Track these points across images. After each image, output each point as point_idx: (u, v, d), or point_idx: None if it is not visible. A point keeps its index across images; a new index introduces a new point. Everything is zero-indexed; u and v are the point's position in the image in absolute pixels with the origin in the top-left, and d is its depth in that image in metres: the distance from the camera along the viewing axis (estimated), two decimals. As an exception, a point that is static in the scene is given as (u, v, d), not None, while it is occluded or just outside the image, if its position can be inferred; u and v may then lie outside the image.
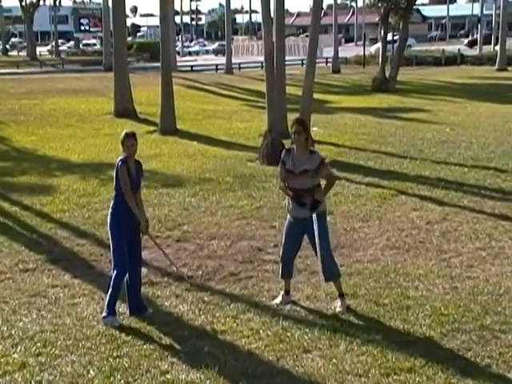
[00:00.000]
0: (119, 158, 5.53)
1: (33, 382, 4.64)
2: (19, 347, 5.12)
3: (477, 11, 63.41)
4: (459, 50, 44.37)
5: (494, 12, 53.56)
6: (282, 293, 5.99)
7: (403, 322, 5.47)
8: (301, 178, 5.55)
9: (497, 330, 5.28)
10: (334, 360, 4.84)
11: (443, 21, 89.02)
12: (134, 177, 5.52)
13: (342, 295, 5.76)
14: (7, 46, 66.24)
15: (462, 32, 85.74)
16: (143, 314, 5.62)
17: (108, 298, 5.50)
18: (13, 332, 5.38)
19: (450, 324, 5.38)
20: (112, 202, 5.63)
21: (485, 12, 54.58)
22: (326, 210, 5.79)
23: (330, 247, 5.81)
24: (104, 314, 5.49)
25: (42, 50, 60.85)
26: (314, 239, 5.66)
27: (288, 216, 5.82)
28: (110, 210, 5.60)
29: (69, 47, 69.40)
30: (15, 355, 4.99)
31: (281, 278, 5.97)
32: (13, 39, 73.37)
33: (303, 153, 5.59)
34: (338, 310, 5.67)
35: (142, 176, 5.65)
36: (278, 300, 5.95)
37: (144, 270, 6.54)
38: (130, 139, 5.53)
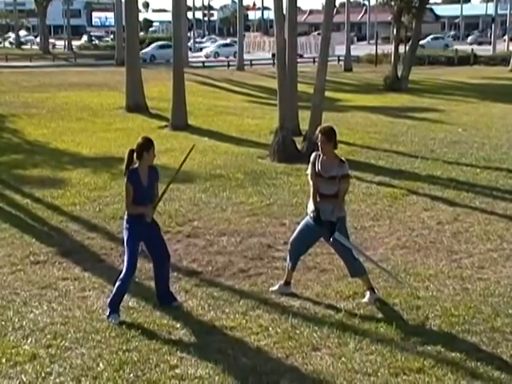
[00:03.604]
0: (131, 168, 5.33)
1: (43, 373, 4.67)
2: (30, 339, 5.15)
3: (491, 11, 62.91)
4: (472, 49, 44.09)
5: (508, 12, 53.22)
6: (281, 282, 6.04)
7: (413, 322, 5.47)
8: (329, 183, 5.59)
9: (508, 332, 5.25)
10: (343, 358, 4.84)
11: (456, 20, 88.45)
12: (144, 185, 5.38)
13: (370, 289, 5.85)
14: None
15: (475, 32, 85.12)
16: (171, 305, 5.68)
17: (112, 296, 5.50)
18: (24, 323, 5.41)
19: (460, 325, 5.36)
20: (126, 212, 5.55)
21: (499, 12, 54.15)
22: (345, 216, 5.86)
23: (351, 248, 5.86)
24: (107, 311, 5.48)
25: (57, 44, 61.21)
26: (332, 243, 5.78)
27: (307, 217, 5.85)
28: (125, 217, 5.55)
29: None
30: (26, 346, 5.03)
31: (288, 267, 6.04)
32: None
33: (332, 160, 5.62)
34: (363, 300, 5.80)
35: (157, 180, 5.48)
36: (275, 288, 6.04)
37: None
38: (153, 147, 5.35)
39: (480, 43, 59.73)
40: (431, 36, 58.54)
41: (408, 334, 5.21)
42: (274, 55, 45.56)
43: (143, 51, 46.92)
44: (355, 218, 8.27)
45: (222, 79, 31.20)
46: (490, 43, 51.52)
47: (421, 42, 46.74)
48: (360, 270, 5.87)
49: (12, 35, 73.45)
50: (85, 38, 69.81)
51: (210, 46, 54.90)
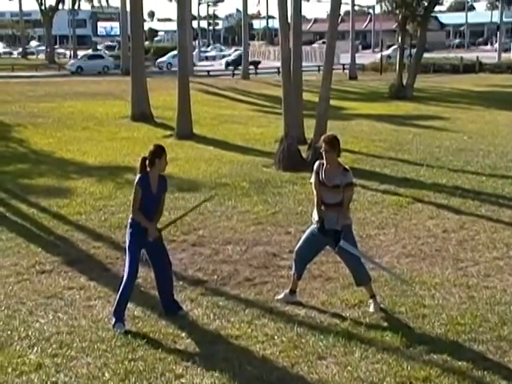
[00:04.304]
0: (142, 173, 5.41)
1: (49, 382, 4.68)
2: (35, 348, 5.16)
3: (496, 18, 62.96)
4: (478, 57, 44.09)
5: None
6: (286, 291, 6.04)
7: (419, 330, 5.44)
8: (333, 192, 5.59)
9: (514, 340, 5.22)
10: (349, 367, 4.83)
11: (461, 28, 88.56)
12: (153, 193, 5.45)
13: (373, 296, 5.84)
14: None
15: (480, 40, 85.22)
16: (177, 314, 5.68)
17: (116, 303, 5.51)
18: (29, 333, 5.42)
19: (466, 334, 5.34)
20: (131, 215, 5.61)
21: (504, 19, 54.18)
22: (351, 224, 5.85)
23: (359, 256, 5.84)
24: (112, 320, 5.50)
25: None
26: (338, 252, 5.77)
27: (313, 226, 5.84)
28: (129, 221, 5.59)
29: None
30: (32, 356, 5.04)
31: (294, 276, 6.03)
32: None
33: (335, 169, 5.62)
34: (370, 310, 5.78)
35: (165, 191, 5.54)
36: (281, 296, 6.04)
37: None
38: (165, 155, 5.42)
39: (505, 50, 59.52)
40: (394, 47, 58.59)
41: (414, 342, 5.19)
42: (230, 63, 45.27)
43: (69, 63, 46.94)
44: (360, 227, 8.26)
45: (226, 88, 31.29)
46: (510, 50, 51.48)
47: (386, 53, 46.83)
48: (366, 279, 5.86)
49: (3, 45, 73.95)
50: (99, 47, 69.91)
51: (163, 57, 50.79)
